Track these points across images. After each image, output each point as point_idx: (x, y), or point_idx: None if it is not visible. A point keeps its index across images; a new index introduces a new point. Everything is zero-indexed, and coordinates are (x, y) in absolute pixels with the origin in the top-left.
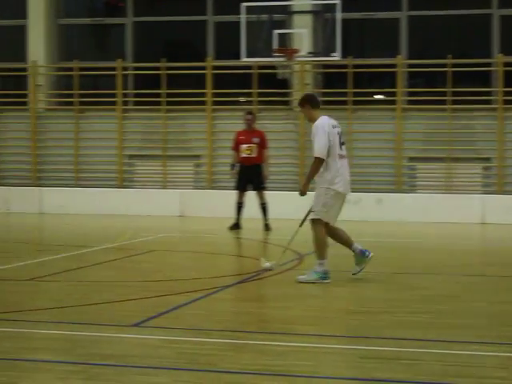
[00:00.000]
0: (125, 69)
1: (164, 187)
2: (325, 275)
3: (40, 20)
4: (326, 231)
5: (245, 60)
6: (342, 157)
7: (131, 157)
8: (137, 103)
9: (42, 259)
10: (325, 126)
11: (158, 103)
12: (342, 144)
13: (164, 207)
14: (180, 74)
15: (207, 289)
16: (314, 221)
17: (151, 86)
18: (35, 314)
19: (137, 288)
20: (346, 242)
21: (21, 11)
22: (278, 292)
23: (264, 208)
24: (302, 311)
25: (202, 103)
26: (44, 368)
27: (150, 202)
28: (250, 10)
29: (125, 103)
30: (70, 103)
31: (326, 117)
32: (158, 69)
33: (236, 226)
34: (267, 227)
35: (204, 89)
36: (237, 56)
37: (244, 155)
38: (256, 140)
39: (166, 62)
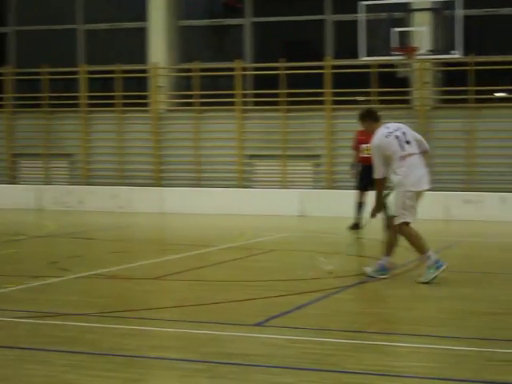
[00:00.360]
0: (244, 69)
1: (283, 187)
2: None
3: (161, 22)
4: (406, 227)
5: (364, 59)
6: (408, 156)
7: (251, 157)
8: (256, 103)
9: (164, 258)
10: (376, 146)
11: (276, 103)
12: (406, 143)
13: (283, 207)
14: (299, 73)
15: (329, 289)
16: (399, 225)
17: (270, 86)
18: (159, 312)
19: (258, 287)
20: (388, 247)
21: (142, 14)
22: (400, 293)
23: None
24: (425, 312)
25: (321, 103)
26: (168, 366)
27: (270, 202)
28: (368, 8)
29: (244, 103)
30: (190, 104)
31: (381, 129)
32: (276, 69)
33: (356, 226)
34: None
35: (323, 88)
36: (355, 55)
37: (364, 155)
38: None
39: (284, 62)
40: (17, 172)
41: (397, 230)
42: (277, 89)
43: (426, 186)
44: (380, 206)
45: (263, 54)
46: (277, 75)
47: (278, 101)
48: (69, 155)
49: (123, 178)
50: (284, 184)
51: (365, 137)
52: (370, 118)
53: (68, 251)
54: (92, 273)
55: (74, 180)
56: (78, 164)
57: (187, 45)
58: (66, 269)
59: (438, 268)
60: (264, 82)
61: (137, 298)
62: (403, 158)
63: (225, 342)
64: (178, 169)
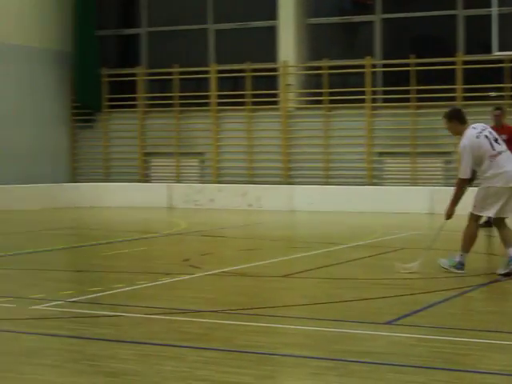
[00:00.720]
0: (373, 66)
1: (413, 184)
2: (460, 266)
3: (290, 20)
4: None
5: (496, 54)
6: (498, 154)
7: (380, 154)
8: (385, 100)
9: (294, 256)
10: (468, 146)
11: (407, 100)
12: (495, 141)
13: (413, 204)
14: (429, 69)
15: (461, 287)
16: (471, 214)
17: (400, 83)
18: (289, 309)
19: (389, 286)
20: (506, 241)
21: (272, 13)
22: None
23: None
24: None
25: (452, 99)
26: (298, 363)
27: (399, 199)
28: (501, 2)
29: (374, 100)
30: (320, 102)
31: (469, 130)
32: (407, 65)
33: (487, 224)
34: None
35: (454, 84)
36: (487, 50)
37: None
38: (504, 137)
39: (414, 58)
40: (148, 171)
41: (468, 218)
42: (407, 85)
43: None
44: (454, 206)
45: (393, 50)
46: (407, 72)
47: (408, 97)
48: (199, 154)
49: (252, 176)
50: (414, 181)
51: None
52: (458, 120)
53: (199, 249)
54: (222, 270)
55: (204, 178)
56: (208, 162)
57: (316, 42)
58: (197, 266)
59: (457, 268)
60: (394, 79)
61: (266, 296)
62: (494, 156)
63: (355, 340)
64: (306, 167)
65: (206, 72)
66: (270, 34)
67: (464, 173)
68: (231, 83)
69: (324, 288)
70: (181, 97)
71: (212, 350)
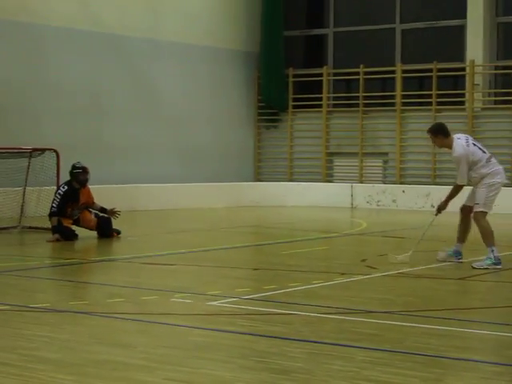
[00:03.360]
0: None
1: None
2: (497, 261)
3: (479, 19)
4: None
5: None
6: (491, 155)
7: None
8: None
9: (472, 259)
10: (462, 156)
11: None
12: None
13: None
14: None
15: None
16: (477, 214)
17: None
18: (463, 312)
19: None
20: (462, 234)
21: (461, 12)
22: None
23: None
24: None
25: None
26: (468, 367)
27: None
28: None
29: None
30: (508, 102)
31: (456, 140)
32: None
33: None
34: None
35: None
36: None
37: None
38: None
39: None
40: (331, 170)
41: (474, 217)
42: None
43: (506, 180)
44: (447, 203)
45: None
46: None
47: None
48: (383, 154)
49: (435, 177)
50: None
51: None
52: (443, 134)
53: (377, 249)
54: (399, 271)
55: (387, 179)
56: (391, 163)
57: (506, 42)
58: (374, 267)
59: (495, 264)
60: None
61: (441, 298)
62: (489, 158)
63: None
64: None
65: (392, 72)
66: (459, 33)
67: (462, 180)
68: (417, 83)
69: (504, 292)
70: (365, 97)
71: (381, 351)
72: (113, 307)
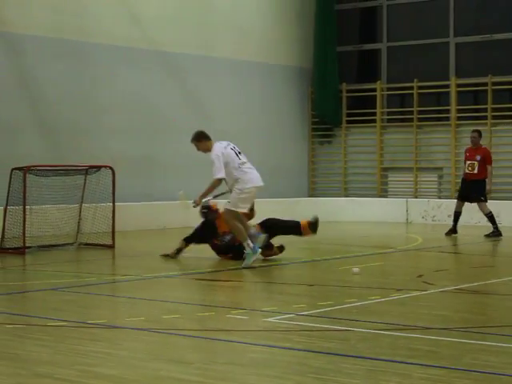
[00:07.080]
0: None
1: None
2: (255, 250)
3: None
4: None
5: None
6: (245, 163)
7: None
8: None
9: None
10: (220, 155)
11: None
12: (239, 153)
13: None
14: None
15: None
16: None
17: None
18: None
19: None
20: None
21: None
22: None
23: None
24: None
25: None
26: None
27: None
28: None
29: None
30: None
31: (216, 144)
32: None
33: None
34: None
35: None
36: None
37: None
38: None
39: None
40: (386, 186)
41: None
42: None
43: (262, 183)
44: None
45: None
46: None
47: None
48: (437, 169)
49: (492, 192)
50: None
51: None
52: (205, 138)
53: (433, 265)
54: (456, 287)
55: (442, 193)
56: (446, 177)
57: None
58: (430, 283)
59: (254, 253)
60: None
61: (499, 314)
62: (242, 164)
63: None
64: None
65: (446, 86)
66: None
67: (216, 174)
68: (471, 97)
69: None
70: (419, 111)
71: (438, 368)
72: (169, 323)
